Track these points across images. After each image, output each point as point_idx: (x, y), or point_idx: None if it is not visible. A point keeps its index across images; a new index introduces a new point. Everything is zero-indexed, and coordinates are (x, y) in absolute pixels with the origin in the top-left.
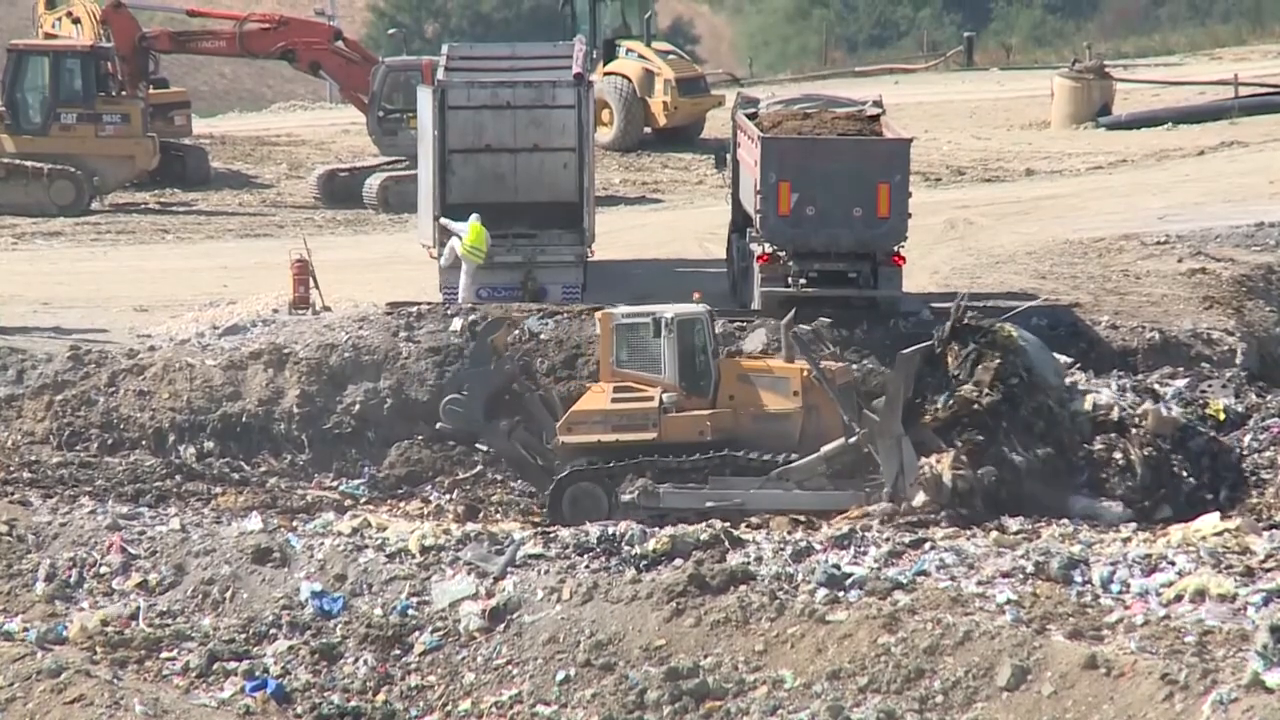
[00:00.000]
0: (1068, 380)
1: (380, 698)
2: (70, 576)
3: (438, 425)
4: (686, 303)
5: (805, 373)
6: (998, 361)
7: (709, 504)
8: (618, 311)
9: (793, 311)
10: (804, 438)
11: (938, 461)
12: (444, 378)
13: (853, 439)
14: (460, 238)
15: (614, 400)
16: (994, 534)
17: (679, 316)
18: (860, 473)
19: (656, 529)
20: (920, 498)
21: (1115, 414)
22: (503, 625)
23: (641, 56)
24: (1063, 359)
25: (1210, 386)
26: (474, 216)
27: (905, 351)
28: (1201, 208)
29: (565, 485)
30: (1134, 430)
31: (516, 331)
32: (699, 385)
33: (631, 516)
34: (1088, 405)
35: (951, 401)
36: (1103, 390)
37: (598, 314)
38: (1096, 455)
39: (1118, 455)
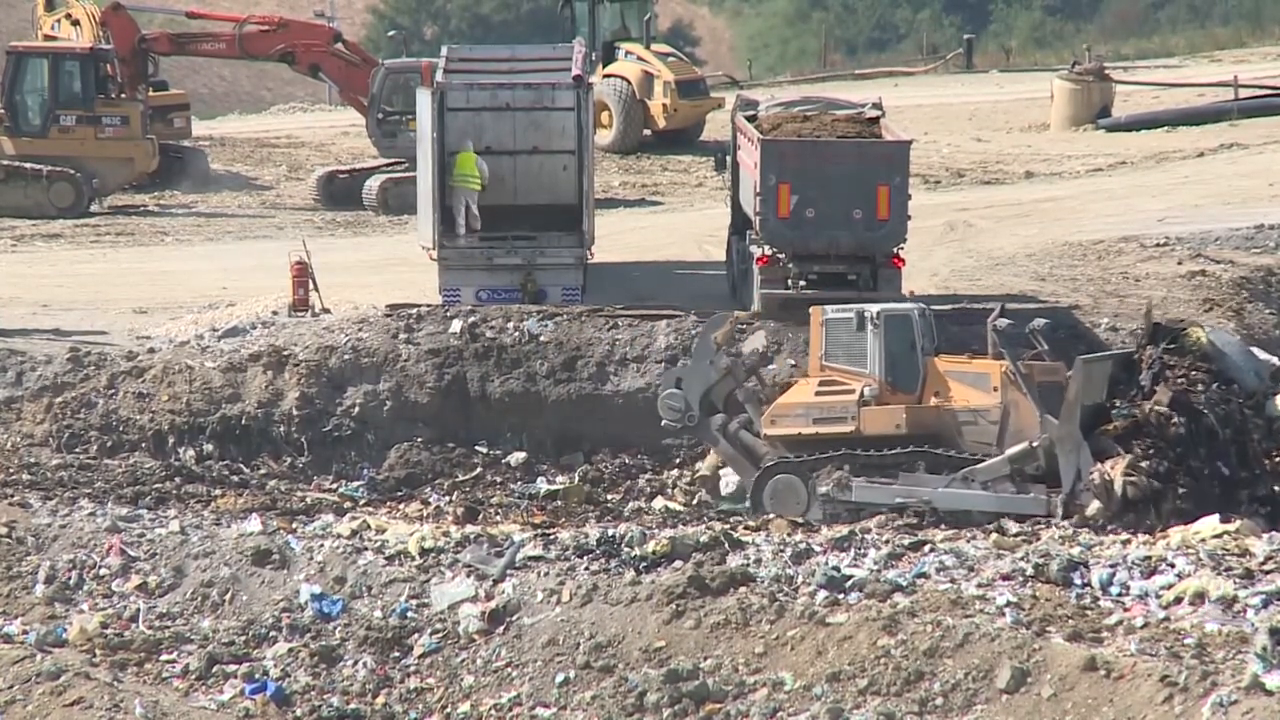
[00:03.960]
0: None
1: (380, 700)
2: (70, 579)
3: (662, 423)
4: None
5: (1005, 369)
6: (1181, 380)
7: (898, 500)
8: (827, 306)
9: (999, 306)
10: (1004, 435)
11: (1111, 467)
12: (443, 380)
13: (1035, 443)
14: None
15: (817, 394)
16: (994, 536)
17: (885, 312)
18: (1052, 477)
19: (656, 531)
20: (1094, 506)
21: None
22: (502, 627)
23: (641, 59)
24: (1272, 360)
25: None
26: (467, 144)
27: (1083, 357)
28: (1201, 210)
29: (766, 478)
30: None
31: (741, 328)
32: (906, 381)
33: (826, 509)
34: None
35: (1130, 415)
36: None
37: (811, 309)
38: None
39: None
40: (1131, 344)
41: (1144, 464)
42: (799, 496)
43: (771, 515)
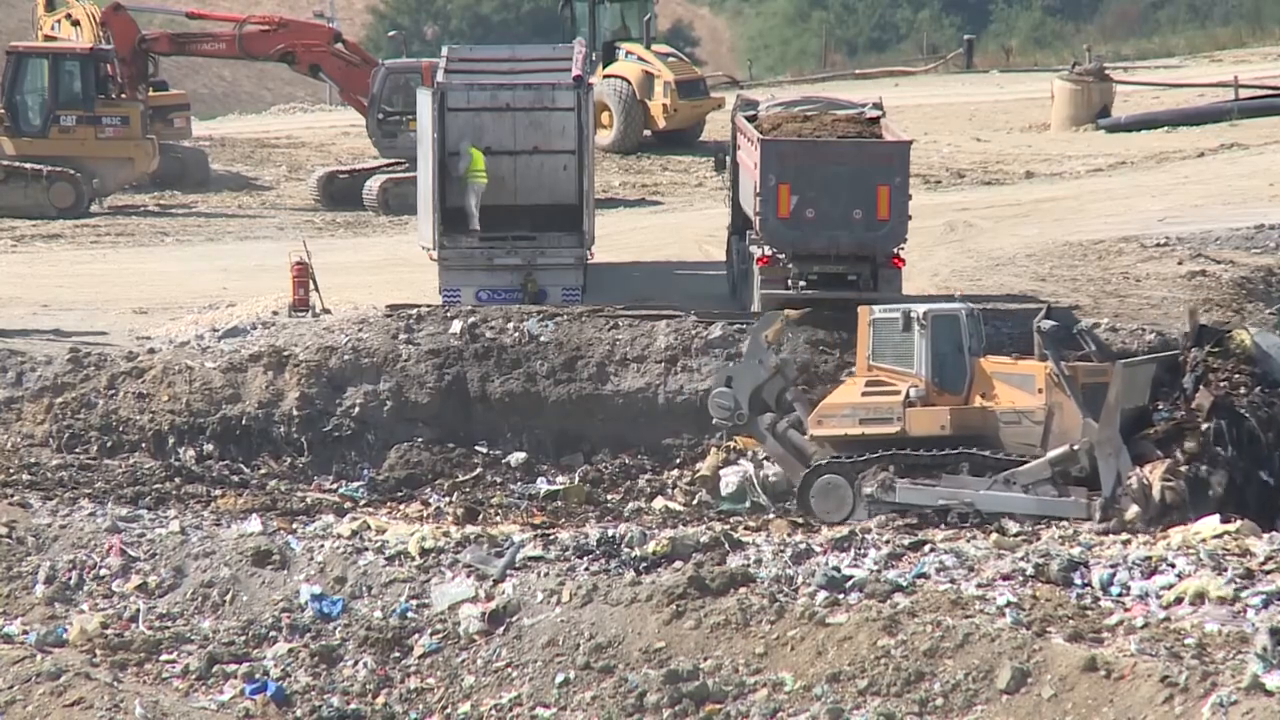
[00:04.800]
0: None
1: (380, 700)
2: (70, 579)
3: (714, 421)
4: (945, 300)
5: (1049, 370)
6: (1224, 384)
7: (941, 501)
8: (875, 306)
9: (1045, 308)
10: (1048, 437)
11: (1150, 471)
12: (443, 380)
13: (1076, 446)
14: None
15: (863, 394)
16: (994, 536)
17: (932, 312)
18: (1095, 480)
19: (656, 531)
20: (1132, 510)
21: None
22: (502, 628)
23: (641, 59)
24: None
25: None
26: (467, 142)
27: (1123, 361)
28: (1201, 210)
29: (812, 478)
30: None
31: (791, 326)
32: (953, 382)
33: (871, 510)
34: None
35: (1170, 419)
36: None
37: (860, 308)
38: None
39: None
40: (1133, 344)
41: (1183, 468)
42: (845, 497)
43: (821, 517)
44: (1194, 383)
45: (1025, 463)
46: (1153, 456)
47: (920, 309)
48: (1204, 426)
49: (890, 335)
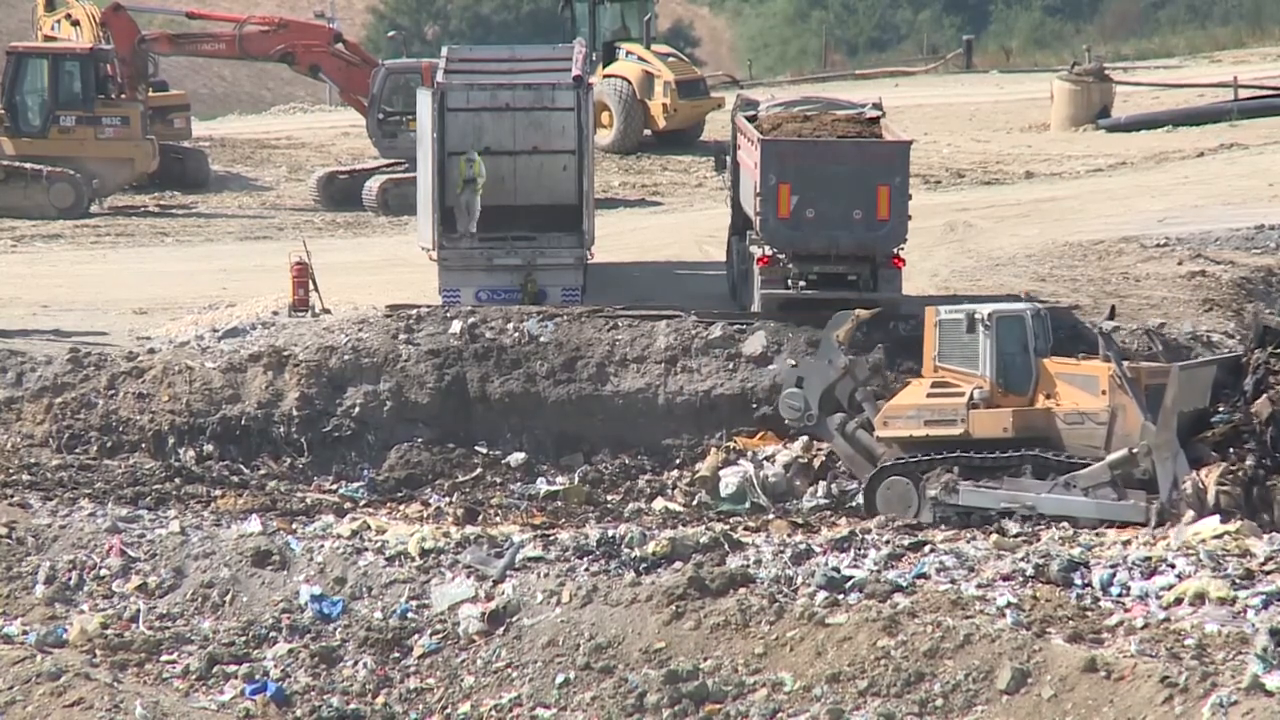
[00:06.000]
0: None
1: (380, 700)
2: (70, 579)
3: (787, 423)
4: (1011, 300)
5: (1111, 372)
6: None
7: (1003, 504)
8: (940, 307)
9: (1111, 307)
10: (1111, 438)
11: (1206, 475)
12: (443, 380)
13: (1135, 449)
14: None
15: (928, 395)
16: (994, 537)
17: (997, 313)
18: (1155, 483)
19: (656, 531)
20: (1188, 515)
21: None
22: (502, 628)
23: (641, 59)
24: None
25: None
26: (473, 152)
27: (1181, 363)
28: (1201, 210)
29: (879, 479)
30: None
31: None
32: (1018, 383)
33: (935, 512)
34: None
35: (1228, 422)
36: None
37: (925, 308)
38: None
39: None
40: (1133, 344)
41: (1239, 473)
42: (910, 499)
43: (885, 516)
44: (1254, 385)
45: (1087, 465)
46: (1209, 460)
47: (985, 310)
48: (1262, 432)
49: (955, 336)
